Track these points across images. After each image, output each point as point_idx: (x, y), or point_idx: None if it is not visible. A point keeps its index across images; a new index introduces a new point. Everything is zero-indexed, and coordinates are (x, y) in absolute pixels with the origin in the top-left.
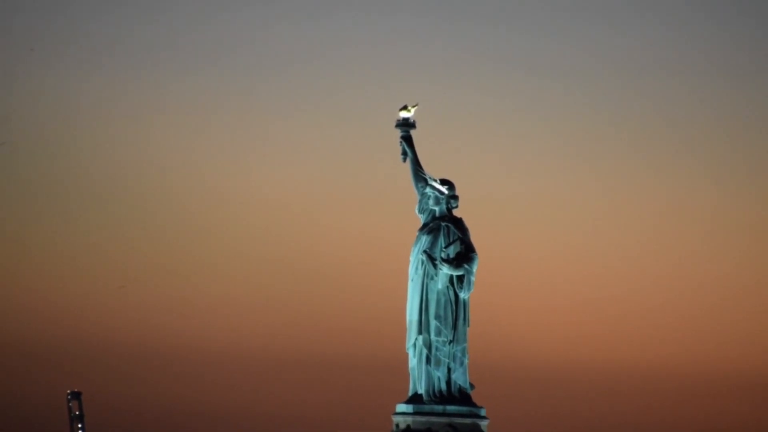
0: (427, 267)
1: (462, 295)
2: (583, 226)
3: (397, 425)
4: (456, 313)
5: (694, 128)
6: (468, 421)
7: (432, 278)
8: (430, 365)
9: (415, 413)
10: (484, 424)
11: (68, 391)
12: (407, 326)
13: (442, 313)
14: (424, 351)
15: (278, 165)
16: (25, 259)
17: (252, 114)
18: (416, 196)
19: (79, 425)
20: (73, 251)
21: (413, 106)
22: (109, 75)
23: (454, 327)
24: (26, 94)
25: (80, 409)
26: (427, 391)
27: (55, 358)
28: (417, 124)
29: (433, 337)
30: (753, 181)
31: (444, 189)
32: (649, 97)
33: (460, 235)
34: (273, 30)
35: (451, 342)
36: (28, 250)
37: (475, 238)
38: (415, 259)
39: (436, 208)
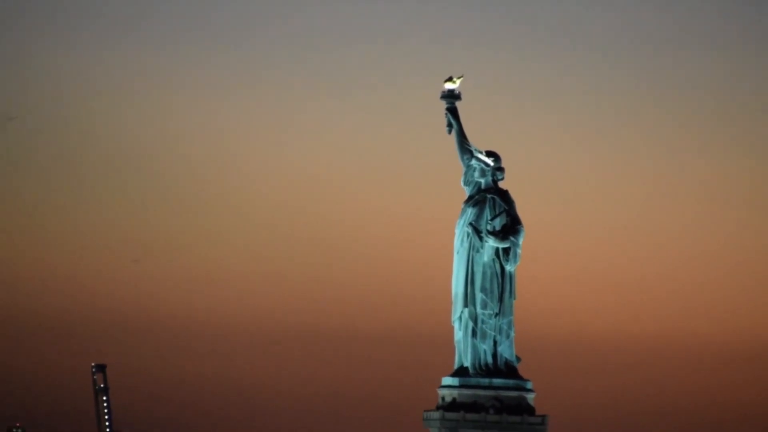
0: (472, 239)
1: (508, 267)
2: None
3: (443, 398)
4: (502, 285)
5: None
6: (514, 394)
7: (478, 251)
8: (476, 338)
9: (461, 386)
10: (530, 397)
11: (92, 364)
12: (453, 299)
13: (488, 285)
14: (470, 324)
15: (311, 140)
16: (42, 233)
17: (277, 89)
18: (461, 169)
19: (104, 398)
20: (88, 225)
21: (458, 78)
22: (128, 52)
23: (500, 300)
24: (43, 70)
25: (105, 381)
26: (473, 365)
27: (77, 331)
28: (462, 96)
29: (479, 310)
30: (746, 156)
31: (489, 161)
32: (643, 73)
33: (506, 208)
34: (303, 6)
35: (497, 315)
36: (43, 225)
37: (521, 211)
38: (460, 231)
39: (482, 180)
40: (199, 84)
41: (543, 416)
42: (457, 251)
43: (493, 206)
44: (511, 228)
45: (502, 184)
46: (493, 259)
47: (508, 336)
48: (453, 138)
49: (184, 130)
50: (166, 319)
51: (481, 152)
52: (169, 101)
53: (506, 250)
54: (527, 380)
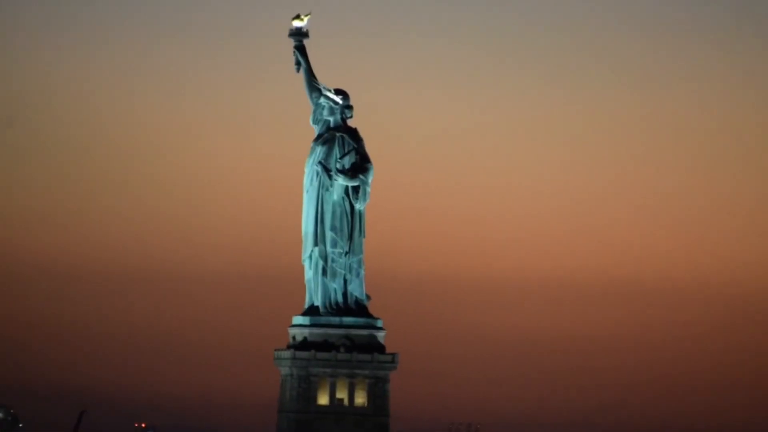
0: (322, 178)
1: (357, 206)
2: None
3: (294, 338)
4: (352, 224)
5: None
6: (365, 332)
7: (327, 189)
8: (326, 277)
9: (311, 325)
10: (380, 335)
11: None
12: (303, 238)
13: (338, 224)
14: (321, 263)
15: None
16: None
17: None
18: (310, 107)
19: None
20: None
21: (306, 15)
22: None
23: (350, 238)
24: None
25: None
26: (324, 303)
27: None
28: (310, 34)
29: (329, 248)
30: (677, 86)
31: (338, 99)
32: (617, 20)
33: (356, 146)
34: None
35: (347, 253)
36: None
37: (372, 146)
38: (310, 170)
39: (331, 119)
40: None
41: (393, 354)
42: (307, 190)
43: (342, 144)
44: (360, 166)
45: (351, 122)
46: (343, 198)
47: (358, 274)
48: (301, 76)
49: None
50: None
51: (330, 90)
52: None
53: (356, 189)
54: (378, 318)
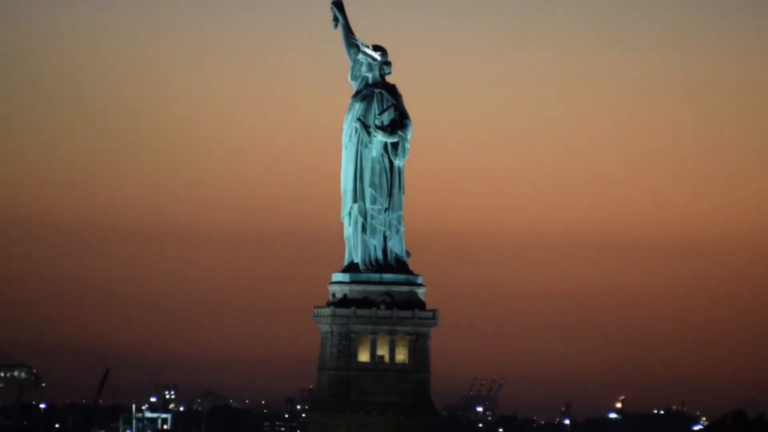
0: (360, 135)
1: (397, 162)
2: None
3: (334, 295)
4: (391, 180)
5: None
6: (405, 289)
7: (366, 146)
8: (365, 233)
9: (351, 282)
10: (420, 291)
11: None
12: (342, 195)
13: (377, 181)
14: (360, 219)
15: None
16: None
17: None
18: (348, 63)
19: None
20: None
21: None
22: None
23: (390, 195)
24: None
25: None
26: (363, 260)
27: None
28: None
29: (368, 205)
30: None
31: (377, 55)
32: None
33: (394, 102)
34: None
35: (386, 210)
36: None
37: (410, 103)
38: (348, 127)
39: (369, 75)
40: None
41: (434, 311)
42: (345, 147)
43: (381, 101)
44: (399, 123)
45: (389, 78)
46: (382, 154)
47: (397, 231)
48: (339, 33)
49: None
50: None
51: (368, 47)
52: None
53: (395, 145)
54: (417, 275)
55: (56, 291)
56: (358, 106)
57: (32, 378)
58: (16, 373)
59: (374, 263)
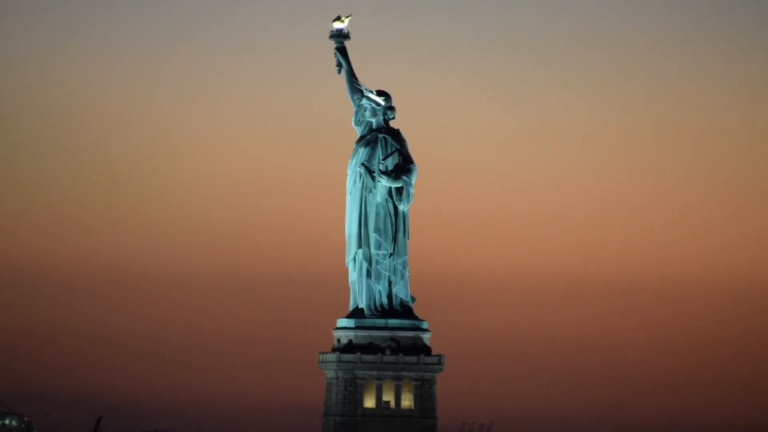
0: (365, 180)
1: (401, 207)
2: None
3: (339, 340)
4: (395, 225)
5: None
6: (410, 334)
7: (371, 191)
8: (370, 279)
9: (356, 328)
10: (426, 336)
11: None
12: (346, 240)
13: (381, 226)
14: (365, 265)
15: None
16: None
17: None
18: (352, 109)
19: None
20: None
21: (347, 17)
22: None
23: (394, 240)
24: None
25: None
26: (369, 306)
27: None
28: (351, 35)
29: (373, 250)
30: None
31: (380, 100)
32: (582, 16)
33: (398, 147)
34: None
35: (391, 255)
36: None
37: (414, 148)
38: (353, 172)
39: (373, 120)
40: None
41: (439, 356)
42: (350, 192)
43: (385, 146)
44: (403, 167)
45: (393, 123)
46: (386, 199)
47: (402, 276)
48: (343, 78)
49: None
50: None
51: (371, 92)
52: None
53: (399, 190)
54: (423, 320)
55: (47, 338)
56: (363, 151)
57: (23, 426)
58: (7, 422)
59: (379, 308)
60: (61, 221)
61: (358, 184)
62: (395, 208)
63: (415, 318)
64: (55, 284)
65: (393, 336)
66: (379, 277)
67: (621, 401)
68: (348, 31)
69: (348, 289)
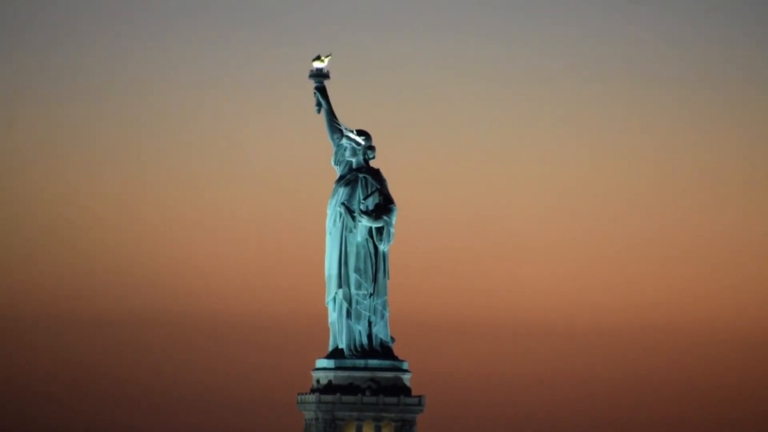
0: (345, 219)
1: (381, 247)
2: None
3: (318, 381)
4: (376, 265)
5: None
6: (390, 375)
7: (351, 231)
8: (350, 319)
9: (336, 368)
10: (406, 377)
11: None
12: (326, 280)
13: (361, 266)
14: (345, 305)
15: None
16: None
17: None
18: (332, 148)
19: None
20: None
21: (326, 56)
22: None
23: (374, 280)
24: None
25: None
26: (348, 346)
27: None
28: (331, 75)
29: (353, 290)
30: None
31: (360, 140)
32: (597, 39)
33: (378, 187)
34: None
35: (371, 295)
36: None
37: (395, 191)
38: (332, 211)
39: (353, 160)
40: None
41: (419, 396)
42: (330, 232)
43: (365, 186)
44: (384, 207)
45: (373, 163)
46: (367, 239)
47: (382, 316)
48: (322, 117)
49: None
50: None
51: (351, 131)
52: None
53: (380, 230)
54: (403, 360)
55: (27, 384)
56: (342, 191)
57: None
58: None
59: (359, 349)
60: (38, 264)
61: (338, 224)
62: (375, 248)
63: (395, 358)
64: (39, 330)
65: (373, 377)
66: (359, 317)
67: None
68: (328, 71)
69: (327, 329)
